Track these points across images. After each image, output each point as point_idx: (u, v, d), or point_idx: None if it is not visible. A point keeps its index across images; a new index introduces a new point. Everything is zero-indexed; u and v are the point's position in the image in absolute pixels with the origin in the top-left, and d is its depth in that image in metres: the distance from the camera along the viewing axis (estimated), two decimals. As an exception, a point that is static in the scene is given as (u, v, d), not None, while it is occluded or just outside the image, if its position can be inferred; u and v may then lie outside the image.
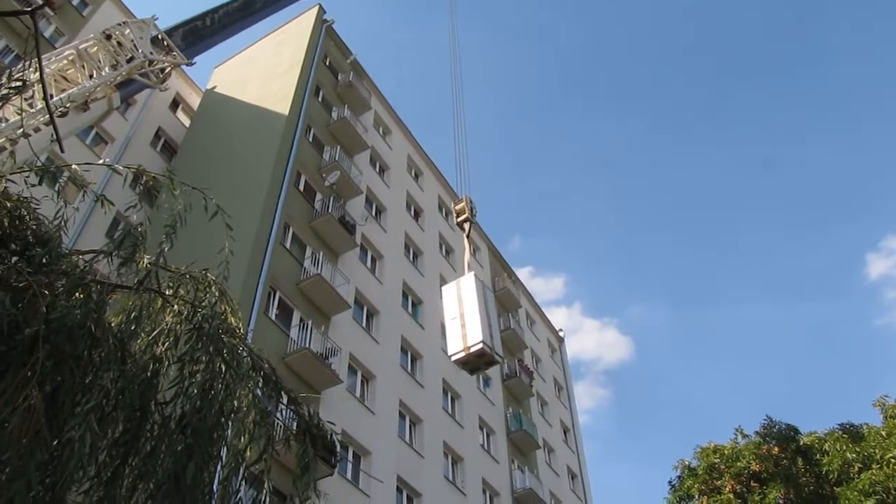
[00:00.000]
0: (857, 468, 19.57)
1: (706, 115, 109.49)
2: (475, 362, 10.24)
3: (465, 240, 13.41)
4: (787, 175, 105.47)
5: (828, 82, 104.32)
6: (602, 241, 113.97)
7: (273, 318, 22.91)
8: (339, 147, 30.87)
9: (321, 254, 26.06)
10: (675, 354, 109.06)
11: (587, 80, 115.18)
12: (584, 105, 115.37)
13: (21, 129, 9.39)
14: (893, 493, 18.04)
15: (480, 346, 9.85)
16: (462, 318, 10.26)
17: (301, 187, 28.05)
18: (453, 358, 10.23)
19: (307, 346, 22.38)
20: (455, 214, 13.70)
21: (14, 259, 6.14)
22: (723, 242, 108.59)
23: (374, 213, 32.31)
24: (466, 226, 13.37)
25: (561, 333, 50.25)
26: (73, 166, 7.35)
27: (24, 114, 9.92)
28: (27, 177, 6.75)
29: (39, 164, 7.24)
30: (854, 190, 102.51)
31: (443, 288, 11.17)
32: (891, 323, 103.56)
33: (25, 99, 11.32)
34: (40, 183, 6.68)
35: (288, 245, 25.44)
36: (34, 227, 6.45)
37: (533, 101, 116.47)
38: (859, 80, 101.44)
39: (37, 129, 11.73)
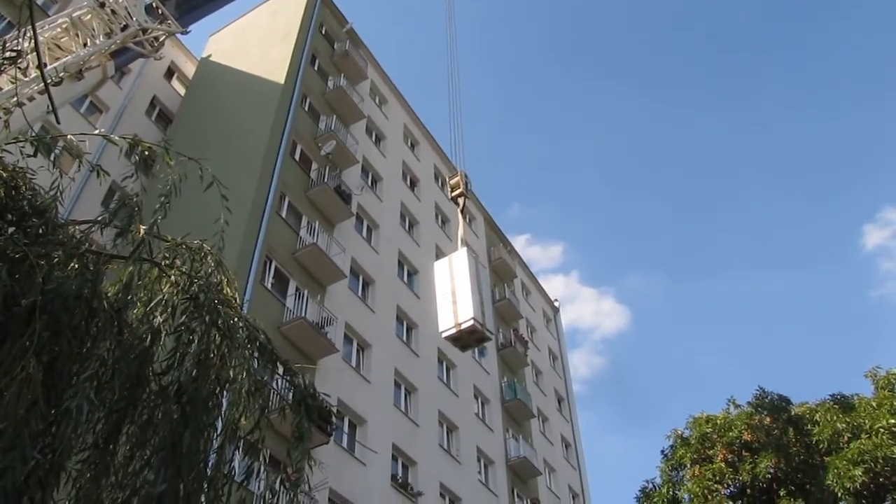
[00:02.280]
0: (846, 438, 19.78)
1: (704, 82, 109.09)
2: (466, 339, 10.18)
3: (460, 214, 13.11)
4: (785, 144, 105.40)
5: (827, 49, 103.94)
6: (600, 209, 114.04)
7: (269, 287, 22.98)
8: (335, 116, 30.75)
9: (317, 223, 26.07)
10: (672, 324, 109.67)
11: (585, 47, 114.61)
12: (581, 73, 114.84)
13: (15, 98, 9.35)
14: (881, 461, 18.26)
15: (471, 322, 9.76)
16: (454, 295, 10.14)
17: (297, 157, 28.00)
18: (444, 335, 10.12)
19: (303, 315, 22.48)
20: (449, 189, 13.44)
21: (10, 230, 6.16)
22: (721, 212, 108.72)
23: (370, 183, 32.27)
24: (461, 200, 13.10)
25: (556, 303, 50.49)
26: (69, 136, 7.36)
27: (17, 83, 9.87)
28: (22, 147, 6.75)
29: (34, 133, 7.24)
30: (853, 160, 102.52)
31: (435, 263, 11.04)
32: (885, 294, 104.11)
33: (19, 68, 11.26)
34: (36, 154, 6.68)
35: (284, 215, 25.44)
36: (30, 197, 6.47)
37: (531, 69, 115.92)
38: (859, 48, 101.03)
39: (31, 98, 11.68)
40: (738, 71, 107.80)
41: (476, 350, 33.63)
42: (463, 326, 9.84)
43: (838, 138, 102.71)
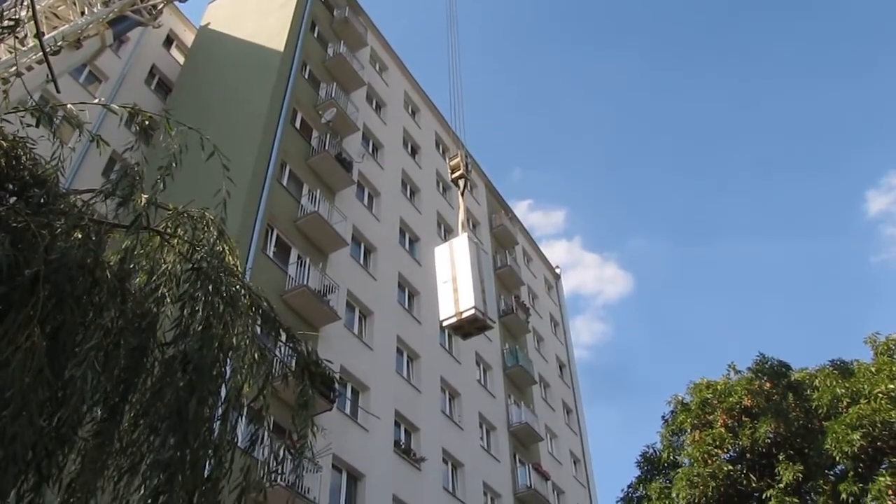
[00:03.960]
0: (845, 403, 19.91)
1: (706, 46, 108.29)
2: (467, 327, 9.96)
3: (460, 197, 12.63)
4: (788, 109, 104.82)
5: (831, 13, 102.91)
6: (603, 174, 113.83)
7: (271, 255, 23.04)
8: (335, 84, 30.59)
9: (318, 191, 26.05)
10: (674, 290, 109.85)
11: (587, 12, 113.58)
12: (583, 37, 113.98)
13: (14, 68, 9.30)
14: (880, 426, 18.39)
15: (472, 311, 9.57)
16: (454, 282, 9.93)
17: (297, 125, 27.90)
18: (445, 323, 9.91)
19: (305, 283, 22.55)
20: (450, 171, 13.00)
21: (12, 200, 6.17)
22: (723, 177, 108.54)
23: (370, 151, 32.19)
24: (461, 182, 12.67)
25: (557, 270, 50.58)
26: (69, 106, 7.33)
27: (15, 52, 9.81)
28: (22, 117, 6.73)
29: (33, 103, 7.21)
30: (857, 125, 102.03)
31: (435, 249, 10.77)
32: (887, 260, 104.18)
33: (16, 37, 11.19)
34: (37, 125, 6.67)
35: (285, 183, 25.42)
36: (31, 167, 6.47)
37: (532, 33, 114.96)
38: (864, 12, 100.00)
39: (29, 68, 11.59)
40: (741, 36, 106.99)
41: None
42: (464, 315, 9.65)
43: (842, 103, 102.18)
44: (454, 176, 12.79)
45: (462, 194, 12.68)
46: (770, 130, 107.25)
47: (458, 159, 12.80)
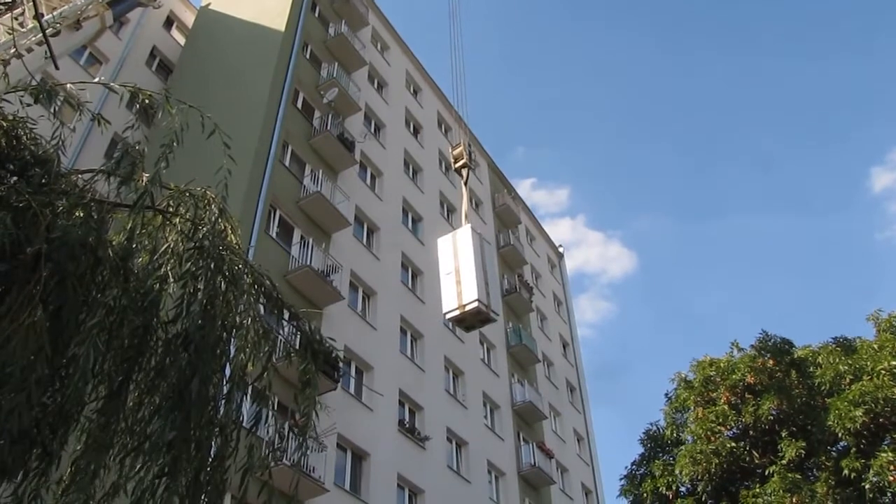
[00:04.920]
0: (848, 380, 19.96)
1: (711, 22, 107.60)
2: (470, 320, 9.88)
3: (463, 187, 12.56)
4: (793, 85, 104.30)
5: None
6: (607, 153, 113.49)
7: (274, 236, 23.04)
8: (336, 64, 30.44)
9: (320, 171, 26.02)
10: (678, 268, 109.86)
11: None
12: (587, 13, 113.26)
13: (13, 49, 9.27)
14: (882, 402, 18.45)
15: (476, 304, 9.51)
16: (457, 274, 9.84)
17: (299, 105, 27.81)
18: (448, 316, 9.83)
19: (308, 263, 22.57)
20: (452, 160, 12.86)
21: (13, 179, 6.16)
22: (728, 154, 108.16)
23: (372, 130, 32.10)
24: (464, 172, 12.55)
25: (560, 249, 50.57)
26: (68, 85, 7.31)
27: (14, 33, 9.77)
28: (22, 96, 6.72)
29: (34, 83, 7.19)
30: (862, 101, 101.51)
31: (438, 240, 10.65)
32: (892, 237, 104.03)
33: (15, 18, 11.15)
34: (37, 102, 6.65)
35: (287, 163, 25.38)
36: (32, 147, 6.45)
37: (536, 8, 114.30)
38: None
39: (29, 50, 11.56)
40: (746, 11, 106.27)
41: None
42: (467, 308, 9.59)
43: (849, 79, 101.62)
44: (457, 166, 12.69)
45: (465, 184, 12.59)
46: (775, 107, 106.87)
47: (461, 148, 12.68)
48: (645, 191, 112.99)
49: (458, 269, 9.91)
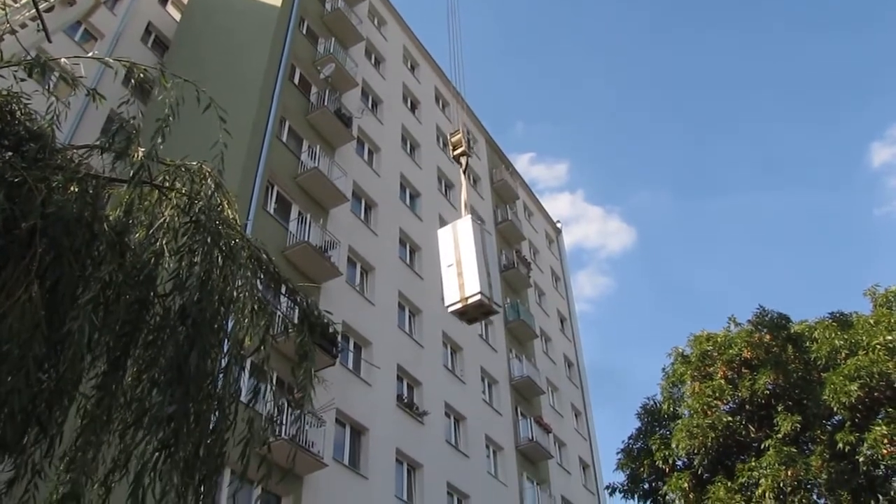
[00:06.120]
0: (844, 354, 19.98)
1: None
2: (473, 312, 9.78)
3: (462, 176, 12.26)
4: (793, 60, 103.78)
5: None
6: (606, 127, 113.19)
7: (271, 212, 23.03)
8: (333, 39, 30.27)
9: (318, 147, 25.95)
10: (677, 243, 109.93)
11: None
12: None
13: (6, 25, 9.21)
14: (877, 377, 18.51)
15: (479, 297, 9.41)
16: (459, 266, 9.73)
17: (296, 81, 27.68)
18: (450, 309, 9.72)
19: (306, 239, 22.57)
20: (451, 147, 12.57)
21: (7, 154, 6.14)
22: (727, 130, 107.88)
23: (370, 106, 31.98)
24: (463, 160, 12.30)
25: (558, 225, 50.61)
26: (62, 60, 7.27)
27: (8, 9, 9.70)
28: (16, 71, 6.67)
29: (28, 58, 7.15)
30: (861, 76, 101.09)
31: (438, 231, 10.57)
32: (890, 212, 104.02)
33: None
34: (30, 76, 6.61)
35: (284, 139, 25.31)
36: (26, 122, 6.43)
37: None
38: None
39: (23, 25, 11.48)
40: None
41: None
42: (469, 301, 9.50)
43: (849, 54, 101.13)
44: (456, 153, 12.45)
45: (464, 172, 12.38)
46: (774, 82, 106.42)
47: (460, 135, 12.50)
48: (644, 166, 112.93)
49: (459, 260, 9.81)
